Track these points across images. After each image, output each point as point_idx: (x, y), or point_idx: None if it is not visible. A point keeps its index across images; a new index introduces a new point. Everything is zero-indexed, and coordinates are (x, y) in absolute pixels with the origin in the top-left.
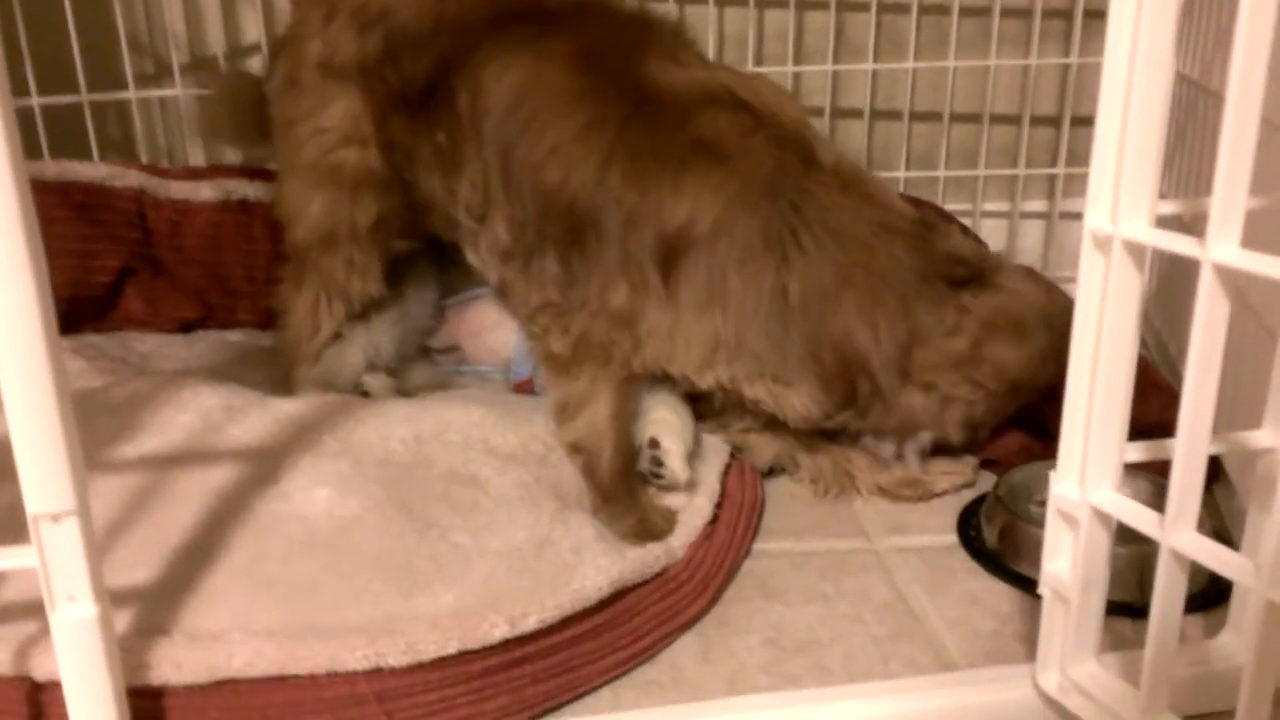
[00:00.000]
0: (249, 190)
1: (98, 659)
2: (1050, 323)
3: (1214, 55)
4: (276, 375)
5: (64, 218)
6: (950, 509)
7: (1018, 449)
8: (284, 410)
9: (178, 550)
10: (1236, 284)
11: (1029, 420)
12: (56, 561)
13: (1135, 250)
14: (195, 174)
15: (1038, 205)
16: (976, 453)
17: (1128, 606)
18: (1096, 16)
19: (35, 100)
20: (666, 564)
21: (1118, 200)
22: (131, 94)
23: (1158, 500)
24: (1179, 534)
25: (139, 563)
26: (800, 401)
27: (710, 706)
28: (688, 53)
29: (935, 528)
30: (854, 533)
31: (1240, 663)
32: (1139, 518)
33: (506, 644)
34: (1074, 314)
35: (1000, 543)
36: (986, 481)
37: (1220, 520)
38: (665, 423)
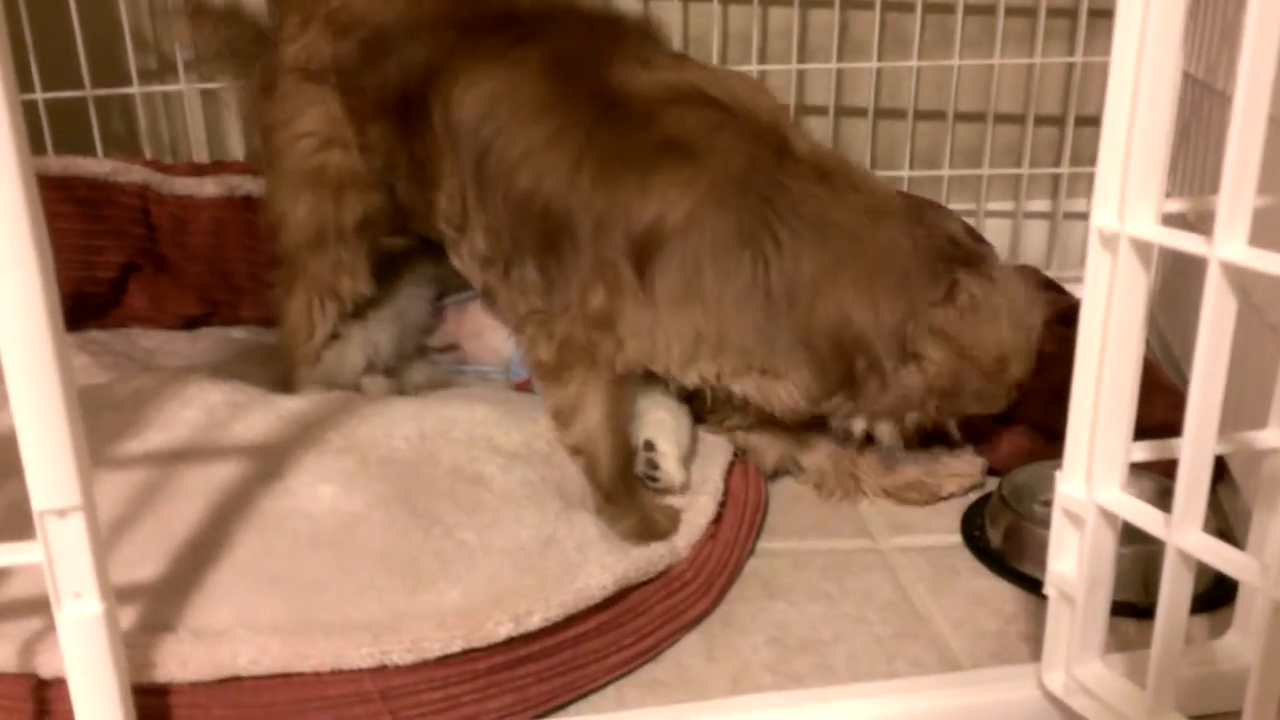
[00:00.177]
0: (253, 186)
1: (103, 656)
2: (1024, 319)
3: (1219, 54)
4: (278, 377)
5: (68, 213)
6: (954, 509)
7: (1019, 450)
8: (288, 407)
9: (183, 547)
10: (1242, 283)
11: (1031, 421)
12: (62, 558)
13: (1142, 248)
14: (199, 170)
15: (1042, 205)
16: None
17: (1132, 607)
18: (1101, 15)
19: (39, 95)
20: (671, 563)
21: (1124, 198)
22: (135, 89)
23: (1161, 500)
24: (1185, 533)
25: (144, 559)
26: (787, 392)
27: (714, 705)
28: (658, 53)
29: (939, 527)
30: (858, 532)
31: (1246, 663)
32: (1145, 517)
33: (511, 642)
34: (1042, 321)
35: (1004, 542)
36: (990, 482)
37: (1225, 520)
38: (661, 425)
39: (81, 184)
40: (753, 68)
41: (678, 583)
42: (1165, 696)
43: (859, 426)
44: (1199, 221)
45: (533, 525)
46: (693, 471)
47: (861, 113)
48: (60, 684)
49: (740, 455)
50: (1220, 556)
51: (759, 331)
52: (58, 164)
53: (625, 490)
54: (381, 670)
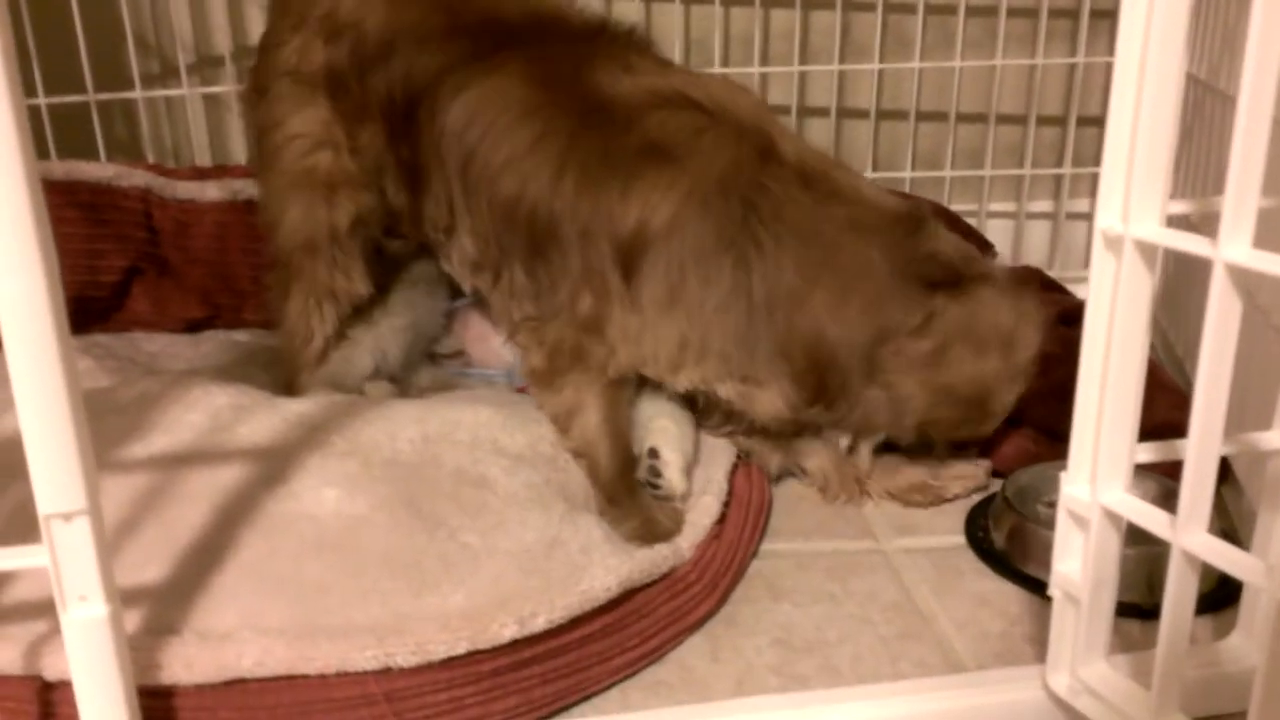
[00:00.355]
0: (255, 190)
1: (109, 658)
2: (1012, 347)
3: (1221, 55)
4: (281, 381)
5: (71, 218)
6: (958, 510)
7: (1022, 452)
8: (292, 410)
9: (187, 550)
10: (1246, 284)
11: (1035, 422)
12: (68, 561)
13: (1146, 250)
14: (201, 174)
15: (1044, 206)
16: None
17: (1136, 608)
18: (1102, 16)
19: (42, 100)
20: (675, 564)
21: (1129, 200)
22: (138, 94)
23: (1164, 501)
24: (1190, 534)
25: (149, 562)
26: (770, 400)
27: (719, 707)
28: (642, 58)
29: (943, 529)
30: (861, 533)
31: (1250, 664)
32: (1150, 518)
33: (515, 644)
34: (1038, 343)
35: (1008, 544)
36: (993, 483)
37: (1229, 521)
38: (665, 432)
39: (84, 188)
40: (755, 70)
41: (682, 584)
42: (1170, 697)
43: (843, 440)
44: (1202, 223)
45: (537, 527)
46: (697, 472)
47: (864, 114)
48: (65, 686)
49: (744, 457)
50: (1225, 558)
51: (740, 339)
52: (61, 168)
53: (627, 493)
54: (386, 672)
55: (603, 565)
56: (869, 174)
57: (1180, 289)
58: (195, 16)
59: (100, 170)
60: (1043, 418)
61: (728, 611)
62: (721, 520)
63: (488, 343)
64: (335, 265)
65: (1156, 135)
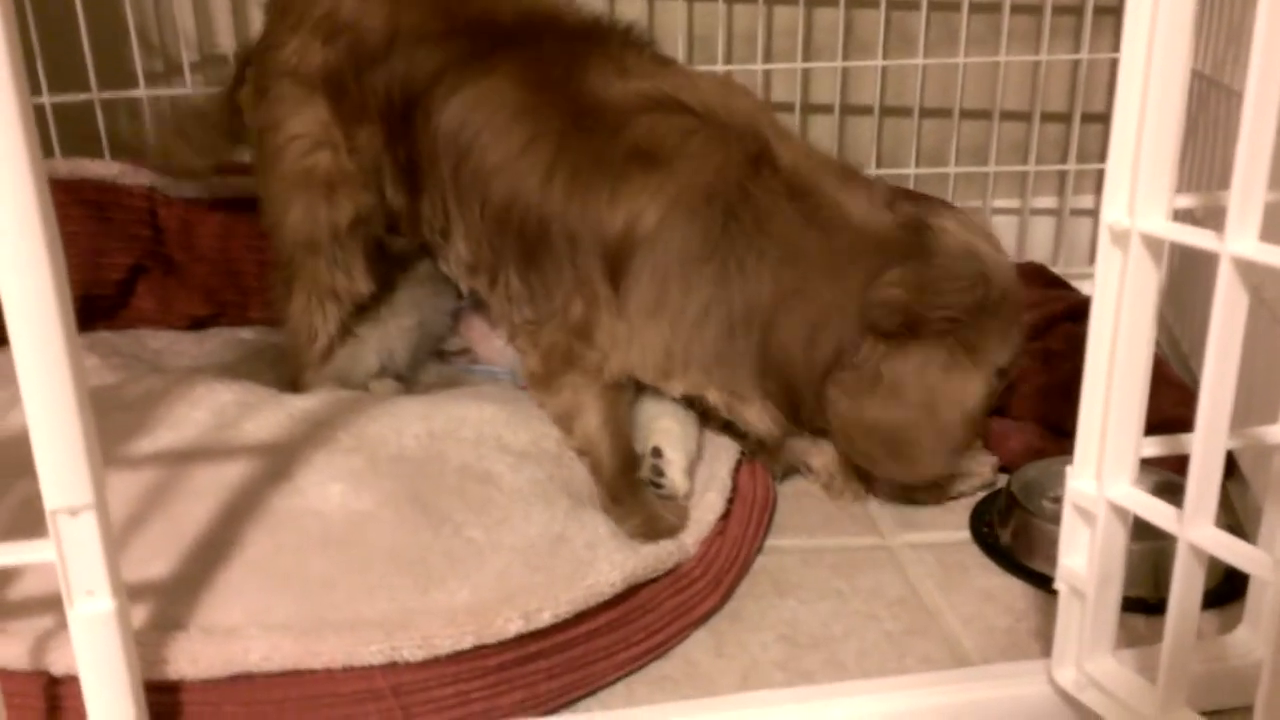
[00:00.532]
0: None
1: (115, 653)
2: (935, 407)
3: (1226, 50)
4: (286, 378)
5: (76, 216)
6: (963, 505)
7: (1028, 448)
8: (298, 406)
9: (193, 545)
10: (1252, 278)
11: (1040, 418)
12: (75, 556)
13: (1153, 244)
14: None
15: (1048, 202)
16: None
17: (1142, 602)
18: (1106, 12)
19: (47, 98)
20: (679, 560)
21: (1135, 195)
22: (142, 92)
23: (1167, 495)
24: (1197, 528)
25: (155, 558)
26: (755, 415)
27: (724, 702)
28: (639, 59)
29: (948, 524)
30: (866, 529)
31: (1257, 658)
32: (1156, 513)
33: (521, 639)
34: (970, 407)
35: (1014, 539)
36: (999, 478)
37: (1234, 516)
38: (669, 433)
39: (89, 186)
40: (758, 67)
41: (686, 580)
42: (1177, 691)
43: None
44: (1207, 217)
45: (542, 523)
46: (700, 469)
47: (867, 111)
48: (72, 681)
49: (748, 454)
50: (1232, 551)
51: (720, 353)
52: (65, 167)
53: (629, 491)
54: (393, 667)
55: (608, 560)
56: (873, 171)
57: (1185, 284)
58: (199, 14)
59: (105, 168)
60: (1048, 413)
61: (733, 607)
62: (726, 516)
63: (492, 341)
64: (336, 264)
65: (1162, 129)
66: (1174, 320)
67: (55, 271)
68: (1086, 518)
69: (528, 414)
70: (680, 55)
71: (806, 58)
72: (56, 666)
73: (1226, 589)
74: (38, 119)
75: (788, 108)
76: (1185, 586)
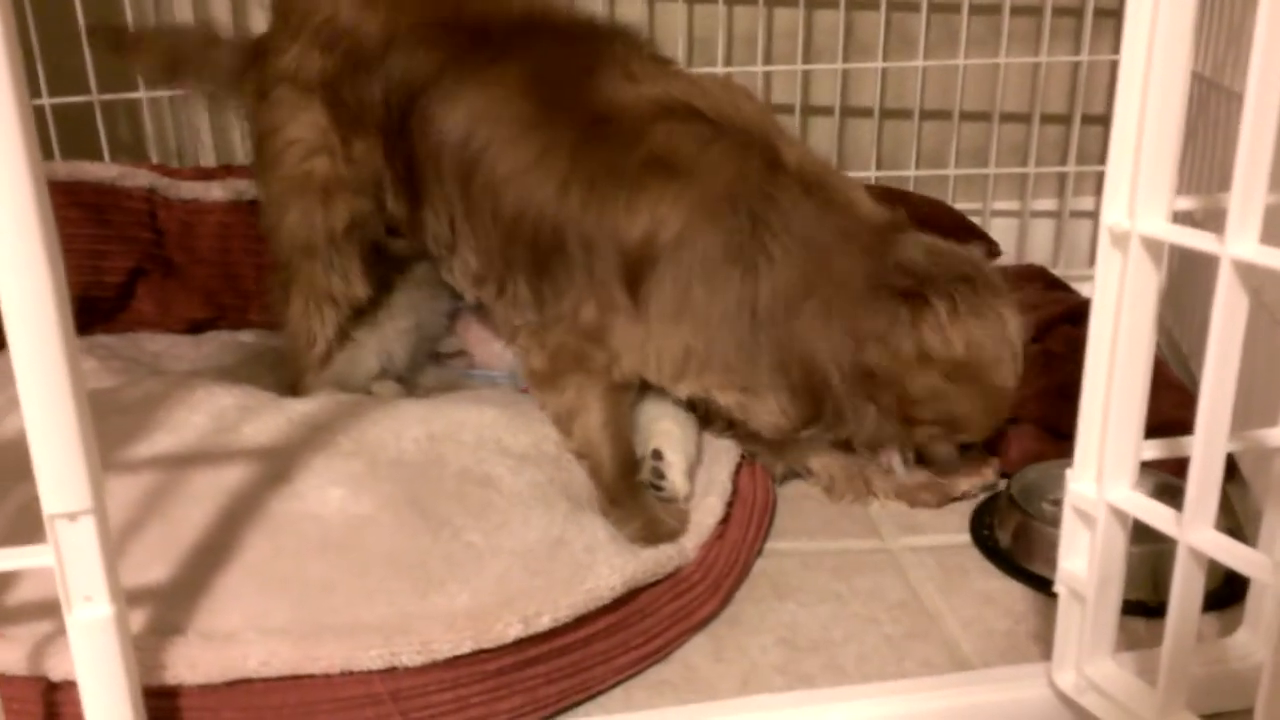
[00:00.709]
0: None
1: (114, 659)
2: (983, 367)
3: (1226, 52)
4: (286, 382)
5: (75, 218)
6: (963, 508)
7: (1027, 451)
8: (297, 410)
9: (192, 550)
10: (1252, 280)
11: (1039, 421)
12: (73, 561)
13: (1153, 246)
14: (206, 174)
15: (1048, 204)
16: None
17: (1142, 605)
18: (1106, 14)
19: (46, 100)
20: (679, 564)
21: (1135, 197)
22: (142, 94)
23: (1167, 498)
24: (1197, 531)
25: (153, 562)
26: (770, 412)
27: (723, 706)
28: (643, 63)
29: (948, 527)
30: (866, 532)
31: (1257, 661)
32: (1156, 515)
33: (520, 643)
34: (1010, 372)
35: (1014, 542)
36: (999, 481)
37: (1234, 519)
38: (669, 435)
39: (88, 189)
40: (758, 69)
41: (686, 584)
42: (1176, 694)
43: (895, 460)
44: (1207, 219)
45: (541, 527)
46: (700, 472)
47: (867, 113)
48: (70, 687)
49: (748, 457)
50: (1231, 554)
51: (743, 350)
52: (64, 169)
53: (629, 494)
54: (391, 672)
55: (607, 564)
56: (873, 173)
57: (1185, 286)
58: (198, 16)
59: (104, 170)
60: (1047, 416)
61: (732, 611)
62: (725, 520)
63: (490, 345)
64: (333, 268)
65: (1163, 131)
66: (1174, 322)
67: (54, 274)
68: (1086, 520)
69: (528, 417)
70: (680, 57)
71: (807, 60)
72: (55, 672)
73: (1226, 592)
74: (37, 121)
75: (788, 110)
76: (1185, 589)
